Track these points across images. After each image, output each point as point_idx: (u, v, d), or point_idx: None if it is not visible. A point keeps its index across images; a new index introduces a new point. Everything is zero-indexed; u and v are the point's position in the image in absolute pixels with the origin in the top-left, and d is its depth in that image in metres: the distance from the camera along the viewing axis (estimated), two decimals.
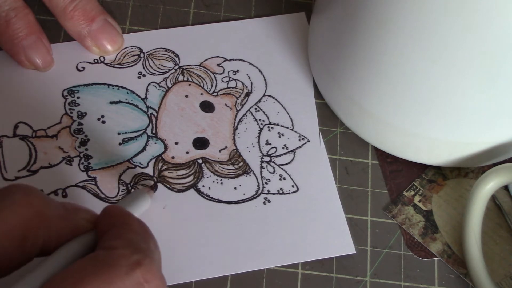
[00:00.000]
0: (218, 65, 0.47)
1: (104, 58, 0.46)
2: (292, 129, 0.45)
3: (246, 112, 0.45)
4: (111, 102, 0.44)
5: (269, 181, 0.43)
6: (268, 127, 0.45)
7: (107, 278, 0.27)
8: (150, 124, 0.44)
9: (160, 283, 0.29)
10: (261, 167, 0.44)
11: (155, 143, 0.44)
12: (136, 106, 0.45)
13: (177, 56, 0.47)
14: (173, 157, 0.43)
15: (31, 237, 0.29)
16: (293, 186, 0.43)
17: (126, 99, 0.45)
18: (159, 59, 0.46)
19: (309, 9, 0.49)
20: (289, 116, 0.45)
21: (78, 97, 0.44)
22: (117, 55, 0.46)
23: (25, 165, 0.42)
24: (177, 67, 0.46)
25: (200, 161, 0.43)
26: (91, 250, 0.30)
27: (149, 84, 0.45)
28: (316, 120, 0.46)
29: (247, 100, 0.46)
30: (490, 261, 0.41)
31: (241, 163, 0.44)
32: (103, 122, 0.44)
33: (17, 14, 0.43)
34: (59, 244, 0.30)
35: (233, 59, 0.47)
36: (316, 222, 0.42)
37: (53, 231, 0.29)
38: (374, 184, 0.44)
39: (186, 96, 0.45)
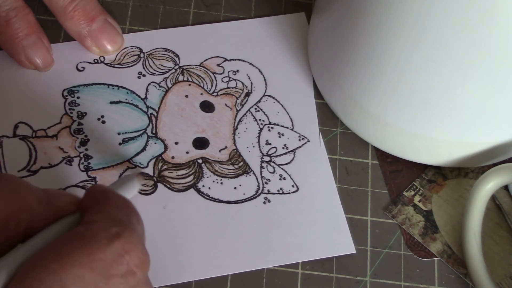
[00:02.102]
0: (218, 65, 0.47)
1: (104, 58, 0.46)
2: (292, 129, 0.45)
3: (246, 112, 0.45)
4: (111, 102, 0.44)
5: (269, 181, 0.43)
6: (268, 127, 0.45)
7: (87, 250, 0.27)
8: (150, 124, 0.44)
9: (141, 254, 0.29)
10: (261, 167, 0.44)
11: (155, 143, 0.44)
12: (136, 106, 0.45)
13: (177, 56, 0.47)
14: (173, 157, 0.43)
15: (13, 222, 0.29)
16: (293, 186, 0.43)
17: (126, 99, 0.45)
18: (159, 59, 0.46)
19: (309, 9, 0.49)
20: (289, 116, 0.45)
21: (78, 97, 0.44)
22: (117, 55, 0.46)
23: (25, 165, 0.42)
24: (177, 67, 0.46)
25: (200, 161, 0.43)
26: None
27: (149, 84, 0.45)
28: (316, 120, 0.46)
29: (247, 100, 0.46)
30: (490, 261, 0.41)
31: (241, 163, 0.44)
32: (103, 122, 0.44)
33: (17, 14, 0.43)
34: (45, 227, 0.30)
35: (233, 59, 0.47)
36: (316, 222, 0.42)
37: (36, 216, 0.30)
38: (374, 184, 0.44)
39: (186, 96, 0.45)
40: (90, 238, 0.28)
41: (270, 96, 0.46)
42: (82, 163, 0.42)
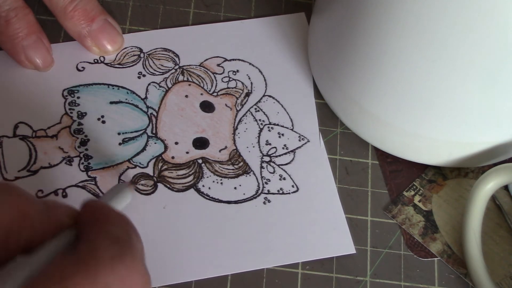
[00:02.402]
0: (218, 65, 0.47)
1: (104, 58, 0.46)
2: (292, 129, 0.45)
3: (246, 112, 0.45)
4: (111, 102, 0.44)
5: (269, 181, 0.43)
6: (268, 127, 0.45)
7: (90, 273, 0.27)
8: (150, 124, 0.44)
9: (143, 274, 0.29)
10: (261, 167, 0.44)
11: (155, 143, 0.44)
12: (136, 106, 0.45)
13: (177, 56, 0.47)
14: (173, 157, 0.43)
15: (14, 236, 0.28)
16: (293, 186, 0.43)
17: (126, 99, 0.45)
18: (159, 59, 0.46)
19: (309, 9, 0.49)
20: (289, 116, 0.45)
21: (78, 97, 0.44)
22: (117, 55, 0.46)
23: (25, 165, 0.42)
24: (177, 67, 0.46)
25: (200, 161, 0.43)
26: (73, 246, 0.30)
27: (149, 84, 0.45)
28: (316, 120, 0.46)
29: (247, 100, 0.46)
30: (490, 261, 0.41)
31: (241, 163, 0.44)
32: (103, 122, 0.44)
33: (17, 14, 0.43)
34: (42, 241, 0.29)
35: (233, 59, 0.47)
36: (316, 222, 0.42)
37: (36, 229, 0.29)
38: (374, 184, 0.44)
39: (186, 96, 0.45)
40: (93, 260, 0.27)
41: (270, 96, 0.46)
42: (82, 163, 0.42)
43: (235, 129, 0.45)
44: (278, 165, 0.44)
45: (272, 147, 0.44)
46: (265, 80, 0.47)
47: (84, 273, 0.27)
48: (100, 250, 0.27)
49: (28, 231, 0.29)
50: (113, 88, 0.45)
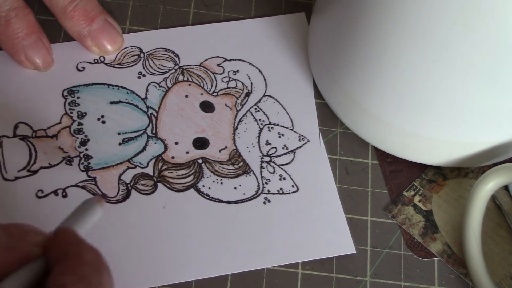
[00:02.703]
0: (218, 65, 0.47)
1: (104, 58, 0.46)
2: (292, 129, 0.45)
3: (246, 112, 0.45)
4: (111, 102, 0.44)
5: (269, 181, 0.43)
6: (268, 127, 0.45)
7: None
8: (150, 124, 0.44)
9: None
10: (261, 167, 0.44)
11: (155, 143, 0.44)
12: (136, 106, 0.45)
13: (177, 56, 0.47)
14: (173, 157, 0.43)
15: None
16: (293, 186, 0.43)
17: (126, 99, 0.45)
18: (159, 59, 0.46)
19: (309, 9, 0.49)
20: (289, 116, 0.45)
21: (78, 97, 0.44)
22: (117, 55, 0.46)
23: (25, 165, 0.42)
24: (177, 67, 0.46)
25: (200, 161, 0.43)
26: (41, 278, 0.28)
27: (149, 84, 0.45)
28: (316, 120, 0.46)
29: (247, 100, 0.46)
30: (490, 261, 0.41)
31: (241, 163, 0.44)
32: (103, 122, 0.44)
33: (17, 14, 0.43)
34: (7, 274, 0.28)
35: (233, 59, 0.47)
36: (316, 222, 0.42)
37: None
38: (374, 184, 0.44)
39: (186, 96, 0.45)
40: None
41: (270, 96, 0.46)
42: (82, 163, 0.42)
43: (235, 129, 0.45)
44: (278, 165, 0.44)
45: (272, 147, 0.44)
46: (265, 80, 0.47)
47: None
48: None
49: None
50: (113, 88, 0.45)
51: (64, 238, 0.30)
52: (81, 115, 0.44)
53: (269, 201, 0.43)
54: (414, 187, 0.44)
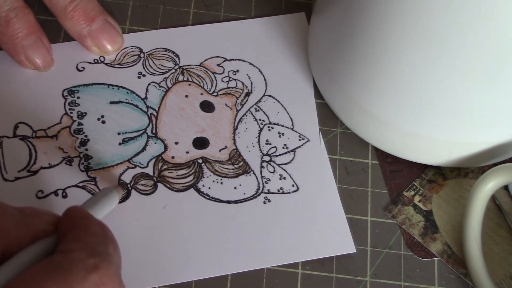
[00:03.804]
0: (218, 65, 0.47)
1: (104, 58, 0.46)
2: (292, 129, 0.45)
3: (246, 112, 0.45)
4: (111, 102, 0.44)
5: (269, 180, 0.43)
6: (268, 126, 0.45)
7: (64, 281, 0.27)
8: (150, 124, 0.44)
9: (118, 286, 0.29)
10: (261, 166, 0.44)
11: (155, 143, 0.44)
12: (136, 106, 0.45)
13: (177, 56, 0.47)
14: (173, 157, 0.43)
15: None
16: (293, 186, 0.43)
17: (126, 99, 0.45)
18: (159, 59, 0.46)
19: (309, 9, 0.49)
20: (289, 116, 0.45)
21: (78, 97, 0.44)
22: (117, 55, 0.46)
23: (25, 165, 0.42)
24: (177, 67, 0.46)
25: (200, 160, 0.43)
26: (52, 254, 0.30)
27: (149, 84, 0.45)
28: (316, 120, 0.46)
29: (247, 100, 0.46)
30: (490, 261, 0.41)
31: (241, 163, 0.44)
32: (103, 122, 0.44)
33: (17, 14, 0.43)
34: (19, 250, 0.29)
35: (233, 59, 0.47)
36: (316, 222, 0.42)
37: (12, 239, 0.29)
38: (374, 184, 0.44)
39: (186, 96, 0.45)
40: (68, 269, 0.27)
41: (270, 96, 0.46)
42: (82, 163, 0.42)
43: (235, 128, 0.45)
44: (278, 165, 0.44)
45: (272, 147, 0.44)
46: (265, 80, 0.47)
47: (58, 282, 0.27)
48: (76, 262, 0.28)
49: (3, 241, 0.29)
50: (113, 88, 0.45)
51: (72, 213, 0.31)
52: (81, 115, 0.44)
53: (269, 200, 0.43)
54: (414, 187, 0.44)
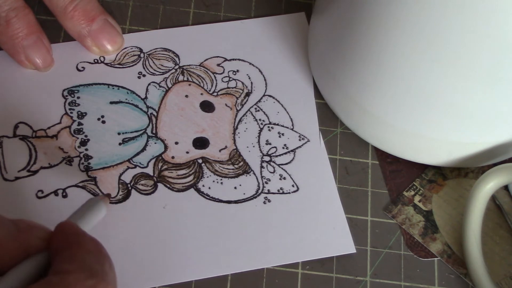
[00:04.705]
0: (218, 65, 0.47)
1: (104, 58, 0.46)
2: (292, 129, 0.45)
3: (246, 112, 0.45)
4: (111, 102, 0.44)
5: (269, 180, 0.43)
6: (268, 127, 0.45)
7: None
8: (150, 124, 0.44)
9: None
10: (261, 166, 0.44)
11: (155, 143, 0.44)
12: (136, 106, 0.45)
13: (177, 56, 0.47)
14: (173, 157, 0.43)
15: None
16: (293, 186, 0.43)
17: (126, 99, 0.45)
18: (159, 59, 0.46)
19: (309, 9, 0.49)
20: (289, 116, 0.45)
21: (78, 97, 0.44)
22: (117, 55, 0.46)
23: (25, 165, 0.42)
24: (177, 67, 0.46)
25: (200, 161, 0.43)
26: (44, 271, 0.29)
27: (149, 84, 0.45)
28: (316, 120, 0.45)
29: (247, 100, 0.46)
30: (490, 261, 0.41)
31: (241, 163, 0.44)
32: (103, 122, 0.44)
33: (17, 14, 0.43)
34: (12, 265, 0.29)
35: (233, 59, 0.47)
36: (316, 222, 0.42)
37: (4, 253, 0.29)
38: (374, 184, 0.44)
39: (186, 96, 0.45)
40: None
41: (270, 96, 0.46)
42: (82, 163, 0.42)
43: (235, 128, 0.45)
44: (278, 165, 0.44)
45: (272, 147, 0.44)
46: (265, 80, 0.47)
47: None
48: (73, 284, 0.27)
49: None
50: (113, 88, 0.45)
51: (65, 230, 0.31)
52: (81, 115, 0.44)
53: (269, 200, 0.43)
54: (414, 187, 0.44)
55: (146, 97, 0.45)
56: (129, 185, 0.42)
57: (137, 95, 0.45)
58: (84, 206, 0.36)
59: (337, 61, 0.41)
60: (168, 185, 0.42)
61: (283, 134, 0.45)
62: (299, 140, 0.45)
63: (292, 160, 0.44)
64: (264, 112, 0.45)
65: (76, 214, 0.35)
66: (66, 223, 0.31)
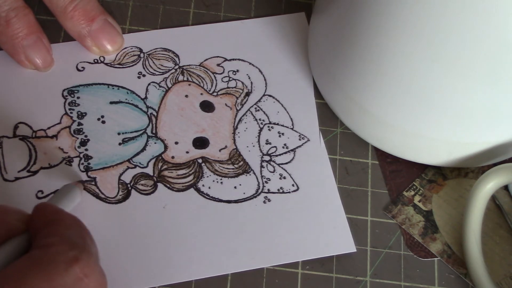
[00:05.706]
0: (218, 65, 0.47)
1: (104, 58, 0.46)
2: (292, 129, 0.45)
3: (246, 111, 0.45)
4: (111, 102, 0.44)
5: (269, 180, 0.43)
6: (268, 126, 0.45)
7: (47, 276, 0.27)
8: (150, 124, 0.44)
9: (99, 276, 0.29)
10: (261, 166, 0.44)
11: (155, 143, 0.44)
12: (136, 106, 0.45)
13: (177, 56, 0.47)
14: (173, 157, 0.43)
15: None
16: (293, 185, 0.43)
17: (126, 99, 0.45)
18: (159, 59, 0.46)
19: (309, 9, 0.49)
20: (289, 116, 0.45)
21: (78, 97, 0.44)
22: (117, 55, 0.46)
23: (25, 165, 0.42)
24: (177, 67, 0.46)
25: (200, 160, 0.43)
26: (26, 251, 0.30)
27: (149, 84, 0.45)
28: (316, 119, 0.46)
29: (247, 100, 0.46)
30: (490, 261, 0.41)
31: (241, 163, 0.44)
32: (103, 122, 0.44)
33: (17, 14, 0.43)
34: None
35: (233, 59, 0.47)
36: (316, 221, 0.42)
37: None
38: (374, 184, 0.44)
39: (186, 96, 0.45)
40: (49, 263, 0.27)
41: (270, 95, 0.46)
42: (82, 163, 0.42)
43: (235, 128, 0.45)
44: (278, 164, 0.44)
45: (272, 146, 0.44)
46: (265, 79, 0.47)
47: (41, 277, 0.27)
48: (56, 255, 0.28)
49: None
50: (113, 88, 0.45)
51: (43, 209, 0.31)
52: (81, 115, 0.44)
53: (269, 200, 0.43)
54: (414, 187, 0.44)
55: (146, 97, 0.45)
56: (129, 185, 0.42)
57: (137, 95, 0.45)
58: (60, 191, 0.38)
59: (337, 61, 0.41)
60: (168, 185, 0.42)
61: (283, 134, 0.45)
62: (299, 139, 0.45)
63: (292, 160, 0.44)
64: (264, 112, 0.45)
65: (52, 199, 0.36)
66: (44, 203, 0.32)
